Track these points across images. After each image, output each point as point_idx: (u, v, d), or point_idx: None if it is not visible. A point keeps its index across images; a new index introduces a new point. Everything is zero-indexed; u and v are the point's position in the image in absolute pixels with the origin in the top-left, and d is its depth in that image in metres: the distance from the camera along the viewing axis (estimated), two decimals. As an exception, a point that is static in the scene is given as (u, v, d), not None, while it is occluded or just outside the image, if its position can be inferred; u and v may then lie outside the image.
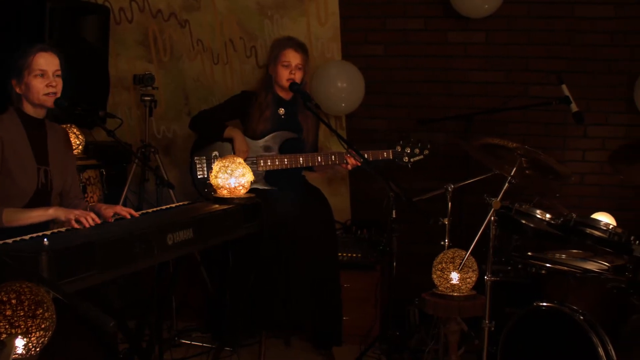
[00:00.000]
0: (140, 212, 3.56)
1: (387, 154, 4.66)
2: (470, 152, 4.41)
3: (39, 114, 3.49)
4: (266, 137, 4.70)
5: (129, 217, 3.40)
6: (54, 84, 3.40)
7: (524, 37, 5.39)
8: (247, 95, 4.81)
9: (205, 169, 4.67)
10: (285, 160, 4.62)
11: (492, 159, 4.15)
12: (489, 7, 5.17)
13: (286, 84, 4.62)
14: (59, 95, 3.44)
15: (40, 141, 3.51)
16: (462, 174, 4.80)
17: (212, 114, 4.80)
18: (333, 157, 4.64)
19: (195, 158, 4.70)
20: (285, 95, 4.76)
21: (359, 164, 4.51)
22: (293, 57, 4.64)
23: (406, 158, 4.68)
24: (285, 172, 4.65)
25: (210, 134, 4.73)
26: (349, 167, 4.63)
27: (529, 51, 5.39)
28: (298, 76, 4.64)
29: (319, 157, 4.65)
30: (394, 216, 4.36)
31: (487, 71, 5.49)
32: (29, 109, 3.45)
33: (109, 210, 3.42)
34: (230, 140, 4.66)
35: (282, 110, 4.75)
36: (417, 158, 4.70)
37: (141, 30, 5.74)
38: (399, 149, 4.67)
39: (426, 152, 4.70)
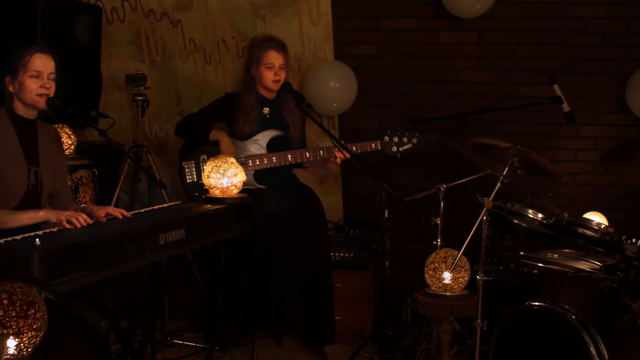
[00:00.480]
0: (132, 212, 3.55)
1: (375, 145, 4.66)
2: (463, 152, 4.42)
3: (30, 114, 3.48)
4: (253, 137, 4.69)
5: (120, 217, 3.40)
6: (47, 85, 3.40)
7: (516, 37, 5.40)
8: (230, 97, 4.80)
9: (194, 173, 4.67)
10: (274, 158, 4.62)
11: (484, 158, 4.16)
12: (481, 7, 5.18)
13: (272, 85, 4.63)
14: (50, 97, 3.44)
15: (30, 142, 3.50)
16: (455, 173, 4.81)
17: (196, 119, 4.80)
18: (321, 152, 4.63)
19: (184, 163, 4.69)
20: (269, 95, 4.75)
21: (348, 157, 4.50)
22: (276, 58, 4.63)
23: (394, 148, 4.66)
24: (275, 170, 4.65)
25: (195, 139, 4.73)
26: (338, 160, 4.61)
27: (521, 51, 5.40)
28: (283, 76, 4.64)
29: (307, 153, 4.64)
30: (386, 216, 4.35)
31: (479, 71, 5.49)
32: (19, 108, 3.44)
33: (100, 211, 3.42)
34: (216, 143, 4.66)
35: (266, 110, 4.75)
36: (405, 147, 4.68)
37: (133, 30, 5.73)
38: (386, 139, 4.65)
39: (414, 140, 4.68)
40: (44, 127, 3.61)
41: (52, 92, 3.43)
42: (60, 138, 3.81)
